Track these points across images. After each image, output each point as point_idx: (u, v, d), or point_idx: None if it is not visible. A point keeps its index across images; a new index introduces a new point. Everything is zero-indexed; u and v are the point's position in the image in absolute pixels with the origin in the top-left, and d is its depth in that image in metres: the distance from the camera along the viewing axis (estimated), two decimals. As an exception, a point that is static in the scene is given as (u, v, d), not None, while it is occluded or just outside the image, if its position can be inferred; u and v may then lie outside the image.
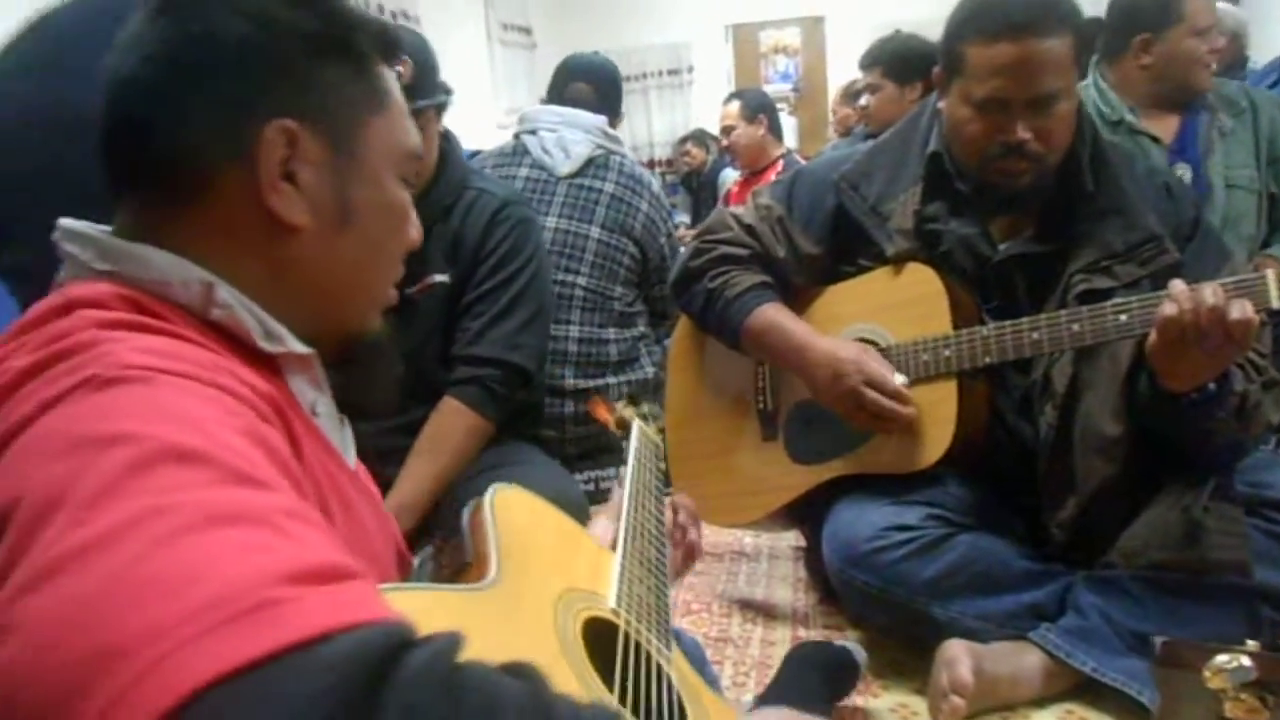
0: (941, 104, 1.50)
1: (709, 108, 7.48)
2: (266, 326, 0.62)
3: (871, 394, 1.44)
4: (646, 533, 0.87)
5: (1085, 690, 1.37)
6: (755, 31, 7.70)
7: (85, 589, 0.38)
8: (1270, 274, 1.19)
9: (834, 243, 1.59)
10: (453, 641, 0.40)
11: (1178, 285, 1.22)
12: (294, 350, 0.64)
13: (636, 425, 1.00)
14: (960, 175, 1.48)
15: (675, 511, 1.03)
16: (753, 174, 3.68)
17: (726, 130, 3.64)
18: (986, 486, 1.50)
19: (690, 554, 1.05)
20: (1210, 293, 1.19)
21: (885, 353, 1.50)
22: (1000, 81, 1.35)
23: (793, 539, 1.94)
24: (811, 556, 1.80)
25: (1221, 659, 0.49)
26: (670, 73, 7.55)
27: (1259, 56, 3.78)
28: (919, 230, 1.49)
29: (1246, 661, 0.47)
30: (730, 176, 5.25)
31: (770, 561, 1.94)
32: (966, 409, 1.42)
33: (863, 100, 3.04)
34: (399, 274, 0.73)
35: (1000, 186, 1.43)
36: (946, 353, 1.43)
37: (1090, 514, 1.41)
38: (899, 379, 1.45)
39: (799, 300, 1.62)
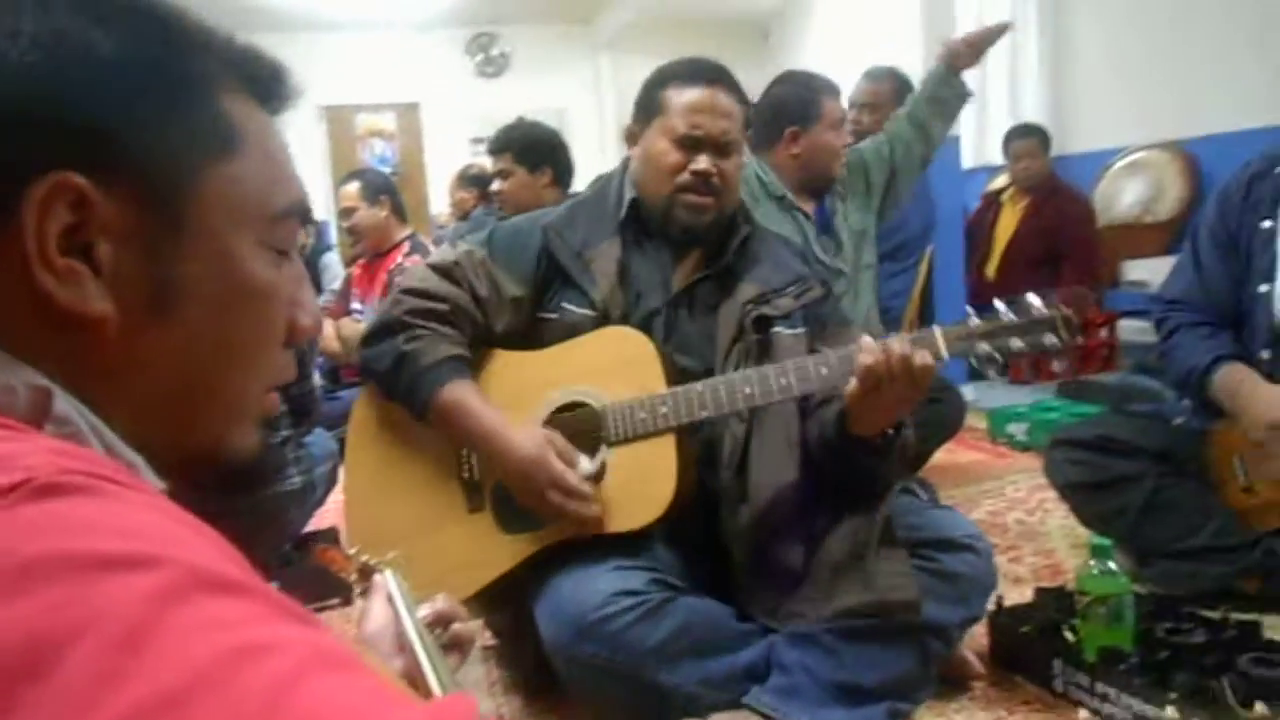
0: (634, 151, 1.66)
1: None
2: (115, 451, 0.46)
3: (554, 496, 1.43)
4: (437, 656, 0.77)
5: (803, 746, 1.42)
6: (351, 114, 7.54)
7: None
8: (937, 329, 1.37)
9: (538, 285, 1.61)
10: None
11: (868, 340, 1.36)
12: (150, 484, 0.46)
13: (390, 573, 0.91)
14: (651, 217, 1.62)
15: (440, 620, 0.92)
16: (376, 256, 3.52)
17: (347, 212, 3.44)
18: (687, 543, 1.54)
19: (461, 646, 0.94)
20: (898, 344, 1.34)
21: (600, 414, 1.50)
22: (698, 118, 1.57)
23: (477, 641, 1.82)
24: (509, 650, 1.69)
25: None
26: (259, 151, 7.10)
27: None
28: (621, 275, 1.58)
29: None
30: (333, 259, 4.99)
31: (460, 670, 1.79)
32: (683, 464, 1.46)
33: (495, 185, 3.09)
34: (280, 374, 0.56)
35: (687, 221, 1.59)
36: (663, 409, 1.46)
37: (773, 560, 1.49)
38: (584, 466, 1.45)
39: (508, 365, 1.58)
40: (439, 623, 0.91)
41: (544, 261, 1.60)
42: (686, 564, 1.53)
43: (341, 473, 1.75)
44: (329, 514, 2.42)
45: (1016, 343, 1.35)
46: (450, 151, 7.27)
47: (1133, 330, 5.31)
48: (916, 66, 3.81)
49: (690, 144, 1.57)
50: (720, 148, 1.58)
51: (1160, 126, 5.13)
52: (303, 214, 0.56)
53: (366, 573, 1.01)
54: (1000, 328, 1.35)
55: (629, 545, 1.46)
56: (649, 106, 1.63)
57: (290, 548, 2.15)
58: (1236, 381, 1.82)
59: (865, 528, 1.49)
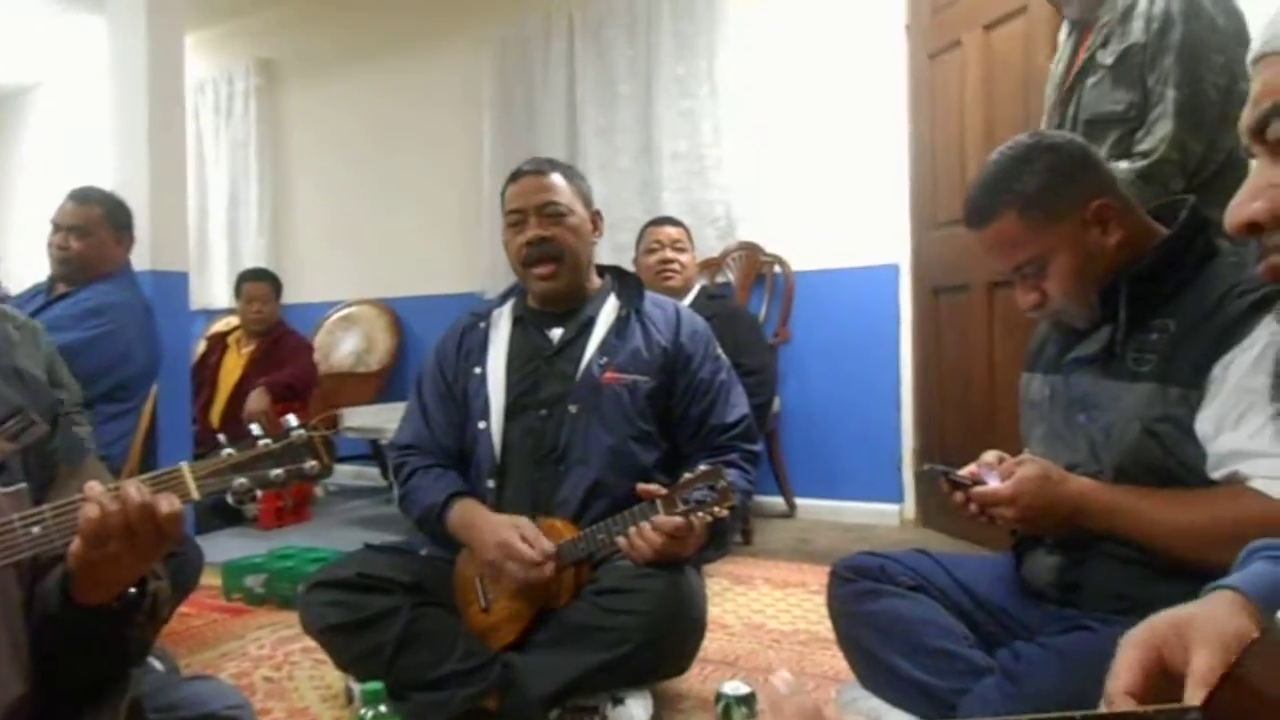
0: None
1: None
2: None
3: None
4: None
5: None
6: None
7: None
8: (185, 466, 1.18)
9: None
10: None
11: (94, 486, 1.09)
12: None
13: None
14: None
15: None
16: None
17: None
18: None
19: None
20: (135, 490, 1.10)
21: None
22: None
23: None
24: None
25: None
26: None
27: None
28: None
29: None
30: None
31: None
32: None
33: None
34: None
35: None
36: None
37: None
38: None
39: None
40: None
41: None
42: None
43: None
44: None
45: (276, 471, 1.23)
46: None
47: (351, 475, 5.58)
48: (142, 189, 3.55)
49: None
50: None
51: (371, 285, 5.64)
52: None
53: None
54: (258, 457, 1.23)
55: None
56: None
57: None
58: (467, 514, 1.99)
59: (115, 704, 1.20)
